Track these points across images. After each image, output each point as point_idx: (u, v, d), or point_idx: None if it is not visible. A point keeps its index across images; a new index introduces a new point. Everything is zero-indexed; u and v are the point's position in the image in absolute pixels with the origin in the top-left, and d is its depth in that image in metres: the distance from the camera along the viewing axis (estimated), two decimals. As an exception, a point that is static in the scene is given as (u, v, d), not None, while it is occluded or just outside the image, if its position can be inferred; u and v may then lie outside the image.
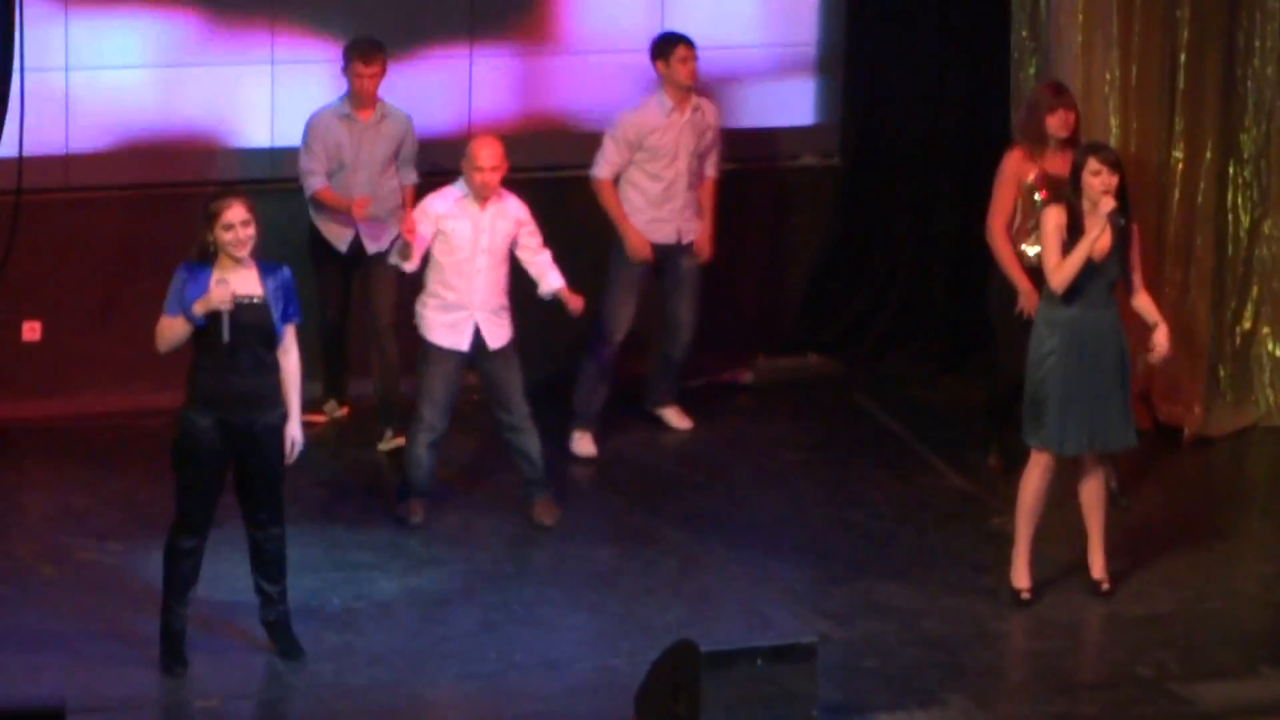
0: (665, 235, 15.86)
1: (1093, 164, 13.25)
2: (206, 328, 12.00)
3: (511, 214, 14.54)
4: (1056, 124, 14.63)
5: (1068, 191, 13.49)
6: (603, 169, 15.72)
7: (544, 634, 13.08)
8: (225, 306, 11.88)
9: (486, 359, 14.61)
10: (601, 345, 16.11)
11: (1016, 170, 14.26)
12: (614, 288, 15.95)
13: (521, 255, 14.60)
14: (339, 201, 15.33)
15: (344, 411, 16.38)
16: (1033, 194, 14.22)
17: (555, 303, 15.02)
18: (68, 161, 15.74)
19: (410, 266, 14.53)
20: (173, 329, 11.96)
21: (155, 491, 13.60)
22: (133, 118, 16.31)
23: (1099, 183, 13.09)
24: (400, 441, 15.43)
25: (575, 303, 14.69)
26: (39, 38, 14.98)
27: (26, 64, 7.89)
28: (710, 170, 16.09)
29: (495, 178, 14.39)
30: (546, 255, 14.69)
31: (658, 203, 15.85)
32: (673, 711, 11.49)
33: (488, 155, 14.36)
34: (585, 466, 15.80)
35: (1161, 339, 13.71)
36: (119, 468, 14.95)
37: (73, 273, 15.78)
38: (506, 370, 14.66)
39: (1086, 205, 13.18)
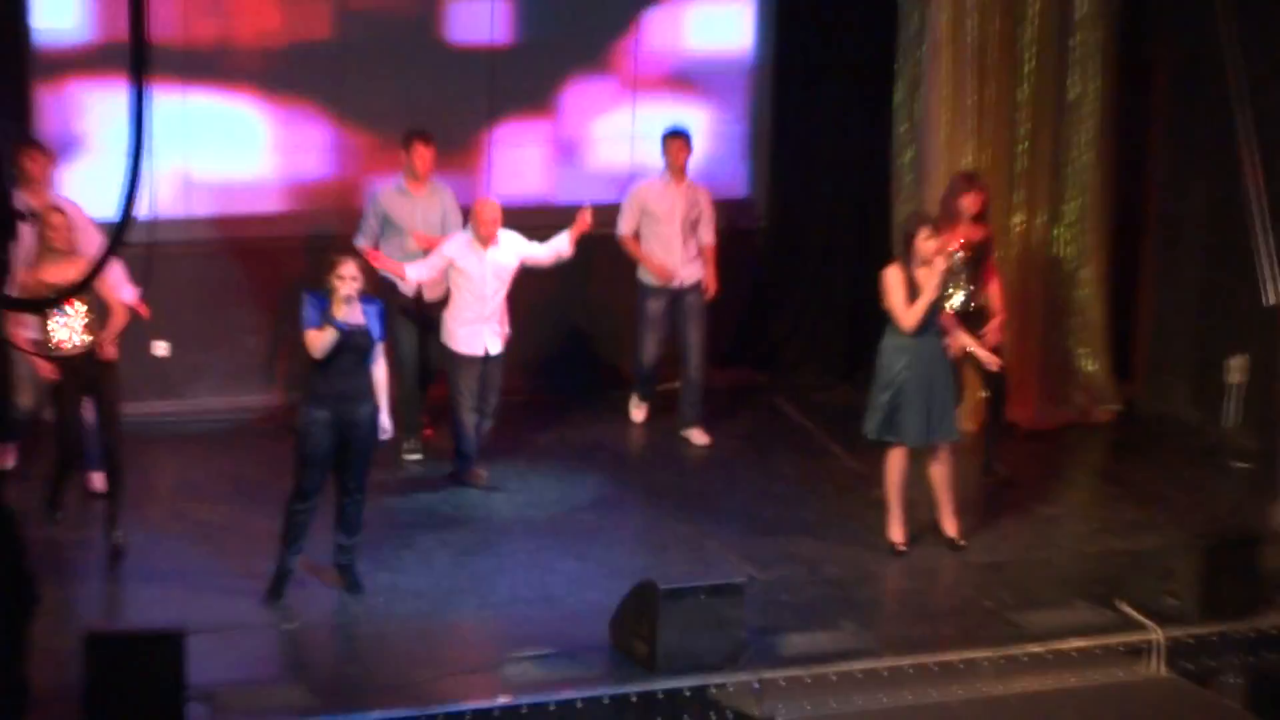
0: (676, 274, 15.81)
1: (923, 233, 13.34)
2: (336, 345, 12.41)
3: (510, 247, 14.64)
4: (968, 204, 14.61)
5: (900, 253, 13.59)
6: (621, 227, 15.75)
7: (542, 575, 13.44)
8: (344, 329, 12.32)
9: (488, 361, 14.75)
10: (639, 368, 16.09)
11: (898, 279, 13.66)
12: (641, 323, 15.89)
13: (537, 256, 14.79)
14: (383, 263, 14.62)
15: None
16: (954, 256, 14.07)
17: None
18: (189, 224, 15.43)
19: (407, 285, 14.91)
20: (322, 338, 12.29)
21: (255, 469, 14.02)
22: (233, 189, 16.08)
23: (929, 247, 13.27)
24: (417, 456, 15.53)
25: (585, 218, 14.73)
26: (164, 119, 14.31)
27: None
28: (707, 236, 15.93)
29: (493, 230, 14.49)
30: (546, 244, 14.79)
31: (662, 255, 15.78)
32: (638, 634, 11.83)
33: (488, 213, 14.50)
34: (575, 451, 15.84)
35: (994, 325, 14.57)
36: (226, 451, 15.03)
37: (189, 305, 15.54)
38: (497, 372, 14.83)
39: (919, 264, 13.32)
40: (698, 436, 16.17)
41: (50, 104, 15.30)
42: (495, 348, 14.77)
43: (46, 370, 12.96)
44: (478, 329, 14.67)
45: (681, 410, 16.25)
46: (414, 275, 14.74)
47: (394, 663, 12.04)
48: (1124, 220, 16.84)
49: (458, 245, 14.69)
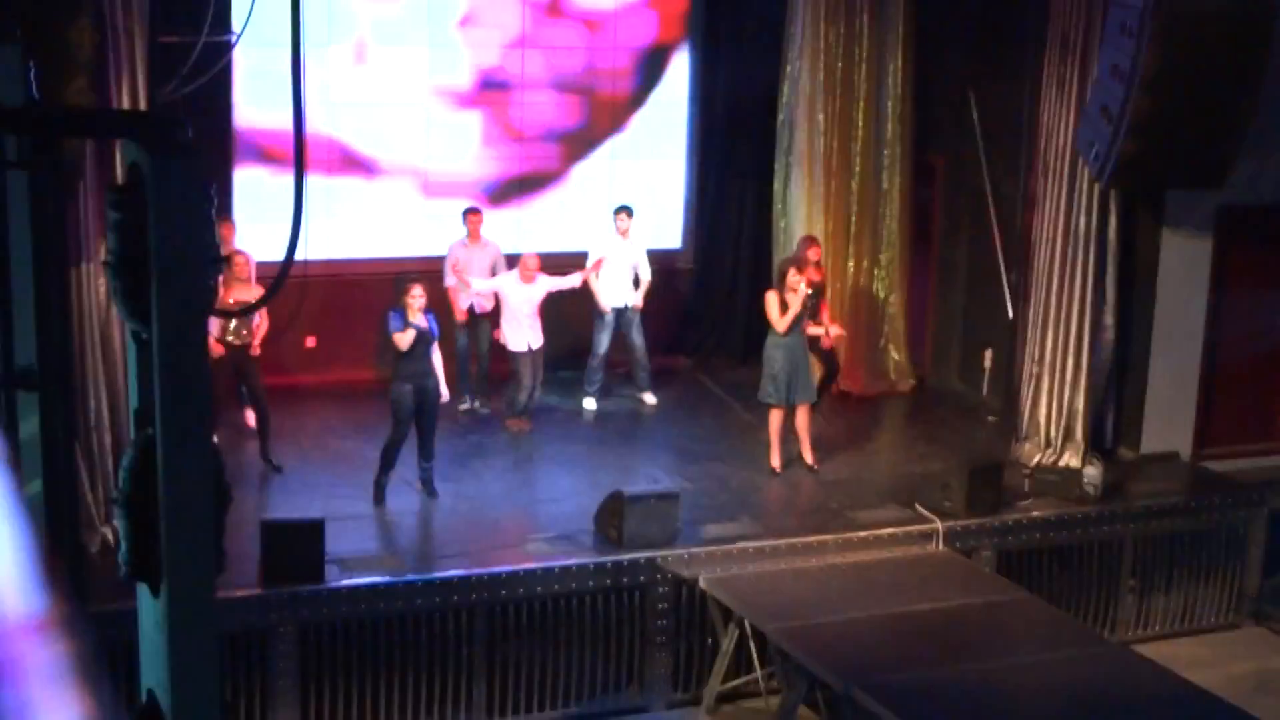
0: (616, 300, 15.36)
1: (792, 272, 13.35)
2: (411, 344, 12.49)
3: (543, 284, 14.46)
4: (811, 254, 14.49)
5: (776, 285, 13.63)
6: (588, 265, 15.13)
7: (552, 486, 13.62)
8: (418, 329, 12.38)
9: (534, 354, 14.49)
10: (592, 356, 15.50)
11: (774, 300, 13.62)
12: (596, 327, 15.40)
13: (558, 286, 14.61)
14: (454, 298, 14.87)
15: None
16: (804, 290, 13.61)
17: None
18: (329, 262, 14.98)
19: (461, 310, 14.83)
20: (405, 336, 12.36)
21: (370, 417, 13.75)
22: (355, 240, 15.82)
23: (794, 281, 13.21)
24: (466, 406, 15.13)
25: (594, 268, 14.90)
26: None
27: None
28: (646, 275, 15.54)
29: (534, 275, 14.36)
30: (561, 280, 14.62)
31: (613, 285, 15.33)
32: (612, 524, 11.88)
33: (532, 263, 14.34)
34: (575, 415, 15.52)
35: (838, 330, 14.44)
36: (356, 407, 14.65)
37: (331, 315, 15.54)
38: (537, 362, 14.53)
39: (789, 290, 13.27)
40: (649, 398, 15.86)
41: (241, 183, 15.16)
42: (535, 344, 14.48)
43: (218, 350, 12.85)
44: (524, 335, 14.45)
45: (637, 382, 15.83)
46: (478, 288, 14.66)
47: (456, 540, 12.22)
48: (917, 264, 16.67)
49: (508, 279, 14.54)
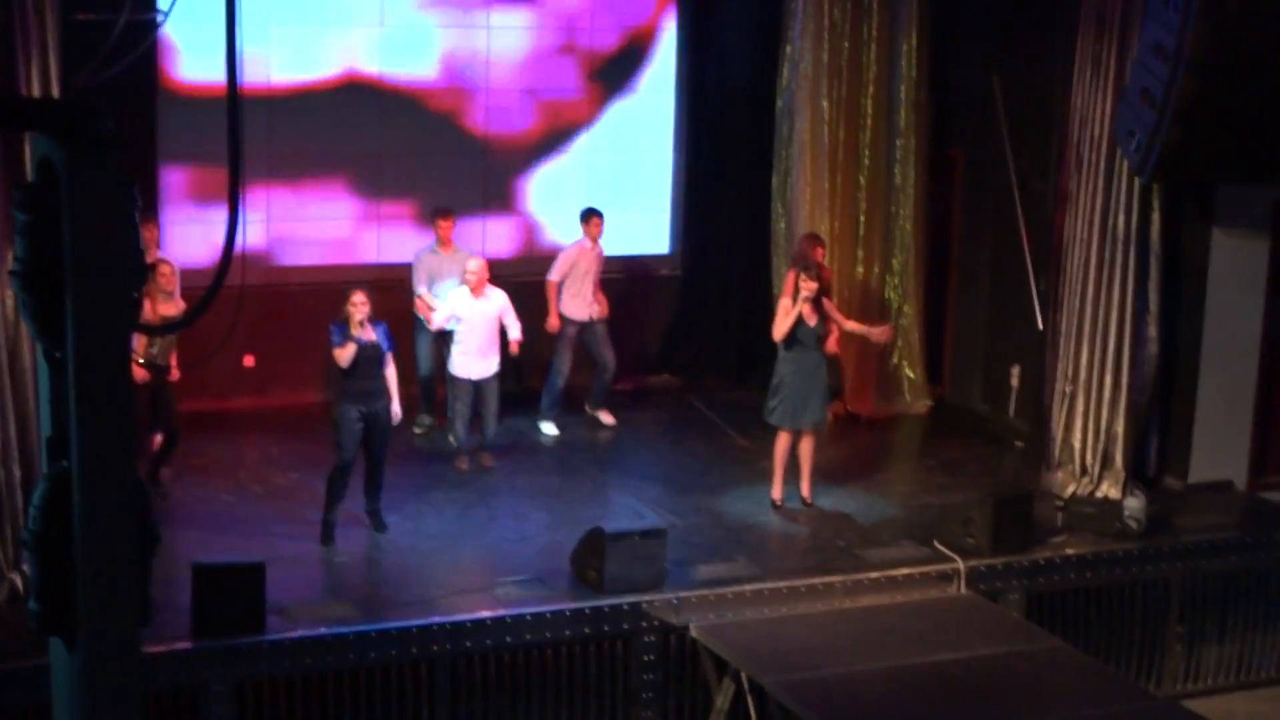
0: (581, 313, 15.49)
1: (804, 278, 13.32)
2: (355, 358, 12.47)
3: (497, 301, 14.31)
4: (818, 255, 14.47)
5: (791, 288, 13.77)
6: (553, 274, 15.35)
7: (522, 524, 13.37)
8: (361, 343, 12.39)
9: (484, 383, 14.32)
10: (555, 376, 15.63)
11: (791, 283, 13.89)
12: (559, 345, 15.53)
13: (505, 320, 14.27)
14: (422, 307, 14.85)
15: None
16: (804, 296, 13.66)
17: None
18: (270, 269, 15.38)
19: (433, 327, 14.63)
20: (348, 352, 12.35)
21: (317, 448, 13.76)
22: (306, 248, 15.88)
23: (806, 288, 13.23)
24: (421, 430, 15.26)
25: (518, 342, 14.54)
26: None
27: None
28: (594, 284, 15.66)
29: (484, 287, 14.23)
30: (516, 324, 14.33)
31: (578, 294, 15.45)
32: (591, 565, 11.87)
33: (475, 266, 14.23)
34: (547, 440, 15.48)
35: (878, 331, 14.52)
36: (295, 433, 14.74)
37: (272, 330, 15.34)
38: (490, 390, 14.36)
39: (802, 298, 13.25)
40: (606, 417, 15.91)
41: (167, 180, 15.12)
42: (488, 372, 14.35)
43: (141, 375, 12.80)
44: (473, 359, 14.33)
45: (593, 398, 15.91)
46: (438, 322, 14.55)
47: (413, 585, 12.11)
48: (934, 269, 16.74)
49: (459, 297, 14.37)
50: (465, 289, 14.33)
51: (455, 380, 14.45)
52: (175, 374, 13.46)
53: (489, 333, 14.30)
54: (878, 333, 14.55)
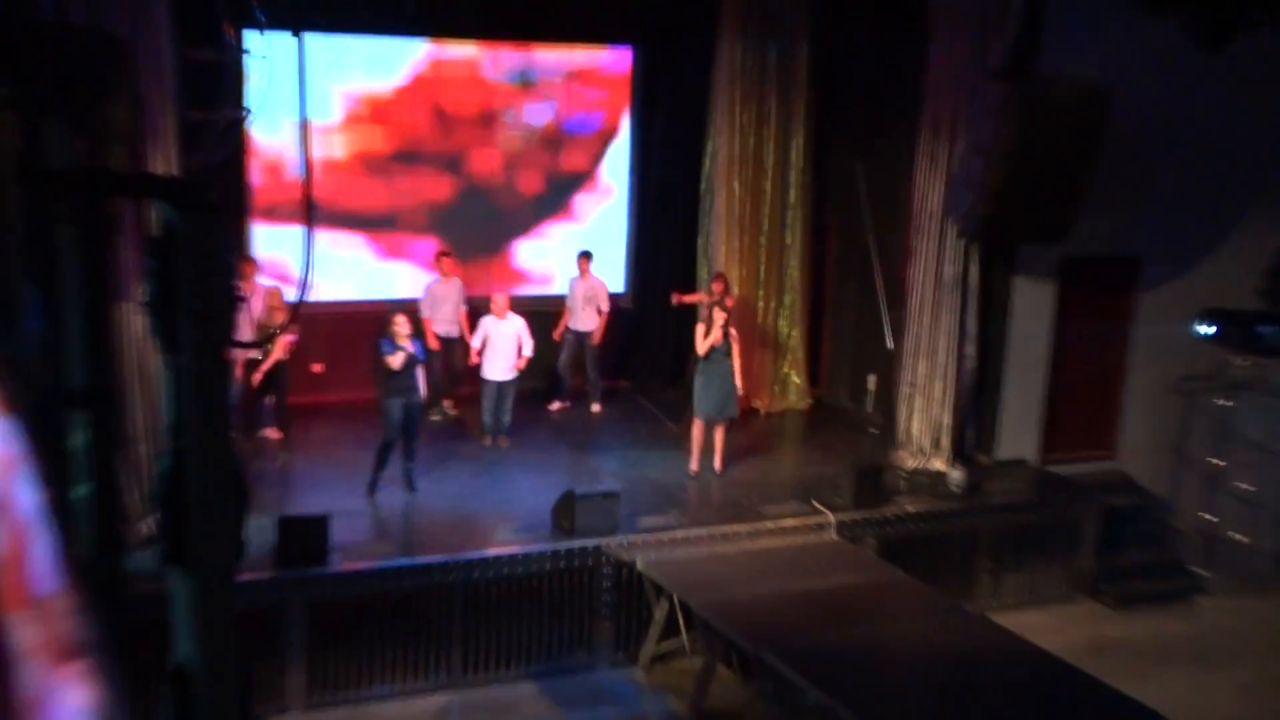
0: (579, 326, 15.52)
1: (717, 310, 13.38)
2: (399, 366, 12.39)
3: (515, 324, 14.18)
4: (716, 288, 14.43)
5: (703, 318, 13.76)
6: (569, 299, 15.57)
7: (516, 486, 13.25)
8: (407, 352, 12.35)
9: (504, 384, 14.24)
10: (560, 381, 15.74)
11: (700, 330, 13.51)
12: (562, 355, 15.59)
13: (521, 338, 14.11)
14: (429, 329, 14.76)
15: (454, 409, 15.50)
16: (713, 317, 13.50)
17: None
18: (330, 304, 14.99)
19: (474, 354, 14.37)
20: (399, 358, 12.34)
21: (367, 430, 13.57)
22: (351, 284, 15.60)
23: (718, 316, 13.24)
24: (439, 418, 15.12)
25: (527, 359, 14.31)
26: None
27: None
28: (604, 306, 15.66)
29: (505, 312, 14.16)
30: (529, 342, 14.19)
31: (577, 315, 15.51)
32: (565, 516, 11.85)
33: (500, 300, 14.21)
34: (535, 423, 15.31)
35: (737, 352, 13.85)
36: (350, 420, 14.56)
37: (338, 343, 15.32)
38: (508, 390, 14.26)
39: (713, 322, 13.27)
40: (596, 407, 15.87)
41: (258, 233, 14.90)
42: (508, 376, 14.27)
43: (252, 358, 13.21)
44: (496, 365, 14.24)
45: (589, 395, 15.87)
46: (475, 345, 14.39)
47: (437, 531, 12.04)
48: (814, 305, 16.72)
49: (488, 321, 14.23)
50: (492, 315, 14.22)
51: (484, 382, 14.32)
52: (284, 355, 13.69)
53: (509, 348, 14.19)
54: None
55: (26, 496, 1.35)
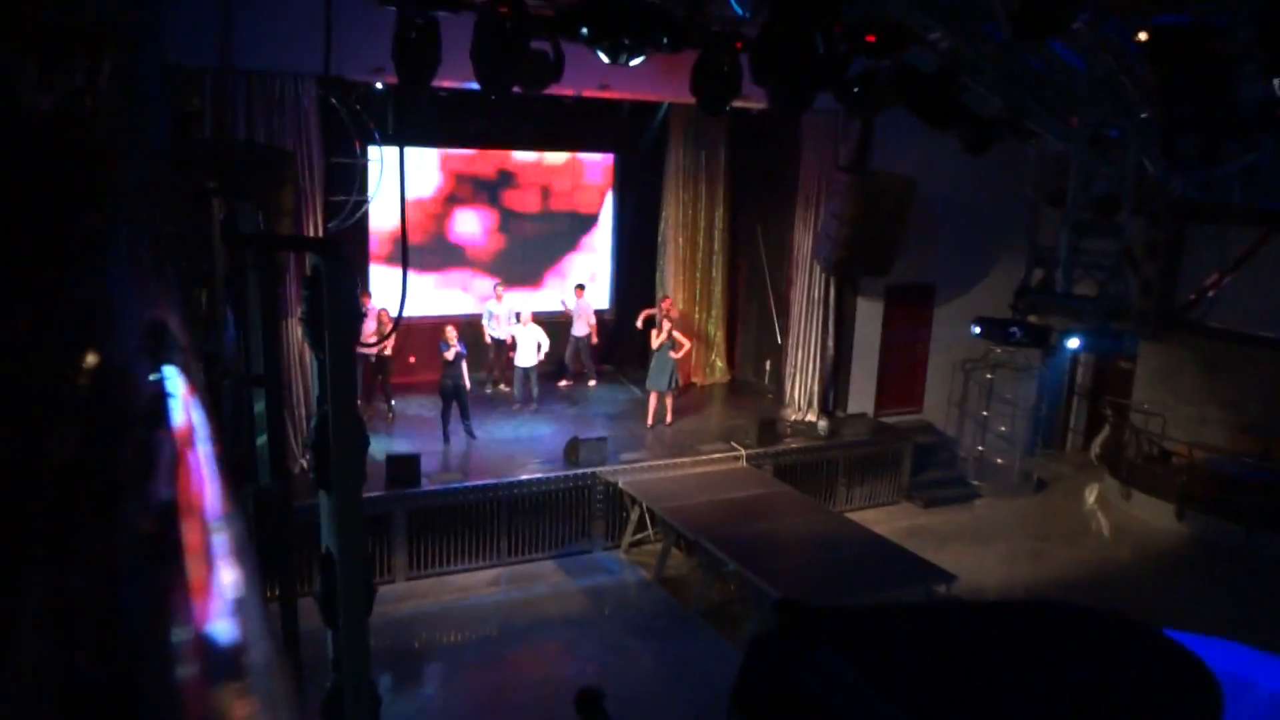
0: (577, 332, 14.84)
1: (665, 320, 13.20)
2: (450, 359, 12.13)
3: (534, 330, 13.71)
4: (665, 306, 14.14)
5: (656, 325, 13.34)
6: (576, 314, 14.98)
7: (539, 436, 12.89)
8: (454, 350, 12.06)
9: (530, 370, 13.76)
10: (566, 367, 15.17)
11: (654, 335, 13.23)
12: (567, 350, 15.03)
13: (540, 340, 13.67)
14: (486, 334, 14.30)
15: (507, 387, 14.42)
16: (663, 324, 13.28)
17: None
18: (419, 318, 14.54)
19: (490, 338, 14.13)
20: (450, 353, 12.07)
21: (432, 398, 13.40)
22: (432, 304, 15.25)
23: (666, 324, 13.06)
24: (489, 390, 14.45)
25: (545, 355, 13.90)
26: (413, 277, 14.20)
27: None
28: (592, 320, 14.87)
29: (529, 323, 13.75)
30: (546, 342, 13.72)
31: (576, 324, 14.86)
32: (572, 454, 11.74)
33: (526, 316, 13.82)
34: (551, 394, 14.60)
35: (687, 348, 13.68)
36: (430, 394, 13.49)
37: (420, 342, 14.59)
38: (534, 374, 13.78)
39: (663, 328, 13.07)
40: (592, 383, 15.43)
41: (373, 272, 14.62)
42: (531, 363, 13.73)
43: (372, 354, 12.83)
44: (523, 358, 13.85)
45: (586, 376, 15.44)
46: (502, 335, 14.09)
47: (488, 463, 11.84)
48: (730, 315, 16.49)
49: (517, 328, 13.87)
50: (520, 325, 13.94)
51: (516, 368, 14.02)
52: (389, 351, 13.26)
53: (532, 346, 13.88)
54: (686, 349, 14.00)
55: (202, 453, 1.35)
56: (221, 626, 1.11)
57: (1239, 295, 13.64)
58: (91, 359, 0.96)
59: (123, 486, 0.95)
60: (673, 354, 13.19)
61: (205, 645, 1.04)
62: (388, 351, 13.43)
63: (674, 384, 13.40)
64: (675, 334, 13.25)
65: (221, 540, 1.26)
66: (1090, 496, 14.65)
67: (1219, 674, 2.40)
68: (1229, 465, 13.21)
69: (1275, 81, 6.57)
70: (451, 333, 12.43)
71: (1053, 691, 2.06)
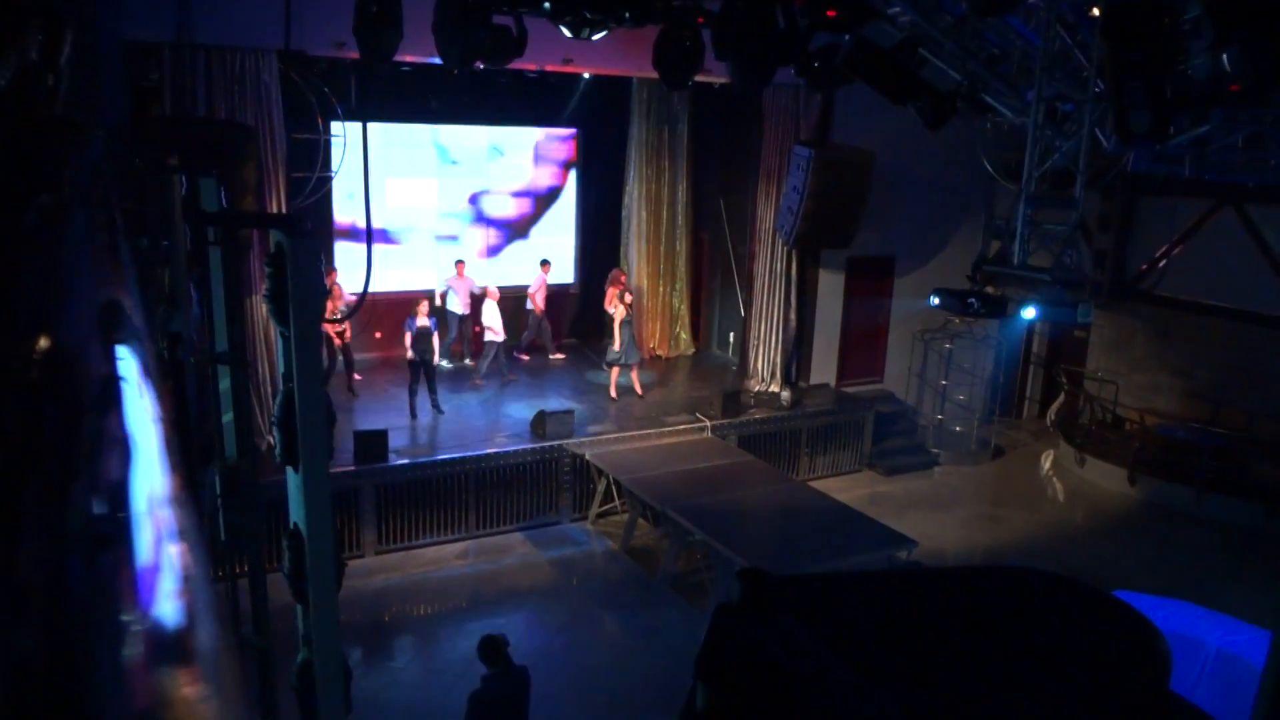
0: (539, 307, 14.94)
1: (625, 293, 13.15)
2: (417, 333, 12.05)
3: (494, 310, 13.59)
4: (620, 278, 14.20)
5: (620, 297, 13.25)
6: (531, 288, 14.84)
7: (507, 407, 12.87)
8: (423, 326, 11.94)
9: (500, 344, 13.69)
10: (526, 332, 15.00)
11: (614, 295, 13.52)
12: (529, 320, 15.09)
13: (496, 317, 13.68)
14: (446, 310, 14.20)
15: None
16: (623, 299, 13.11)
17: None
18: (384, 294, 14.52)
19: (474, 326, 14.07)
20: (415, 328, 11.98)
21: (403, 374, 13.32)
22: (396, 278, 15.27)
23: (628, 296, 13.02)
24: (449, 366, 14.26)
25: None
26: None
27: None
28: (542, 296, 14.83)
29: (497, 297, 13.67)
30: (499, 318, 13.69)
31: (538, 299, 14.80)
32: (541, 427, 11.70)
33: (494, 292, 13.74)
34: (514, 367, 14.83)
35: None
36: (404, 372, 13.31)
37: (387, 316, 14.33)
38: (500, 350, 13.67)
39: (622, 302, 13.03)
40: (555, 355, 15.38)
41: (338, 248, 14.35)
42: (500, 338, 13.70)
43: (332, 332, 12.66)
44: (494, 333, 13.77)
45: (548, 349, 15.33)
46: (485, 322, 13.88)
47: (456, 437, 11.79)
48: (695, 289, 16.51)
49: (488, 306, 13.78)
50: (491, 302, 13.81)
51: (486, 343, 13.94)
52: (349, 336, 13.12)
53: (501, 322, 13.82)
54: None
55: (153, 435, 1.33)
56: (167, 608, 1.12)
57: (1188, 266, 13.91)
58: (43, 341, 0.93)
59: (70, 469, 0.93)
60: (634, 326, 13.49)
61: (152, 627, 1.05)
62: (348, 336, 13.27)
63: (635, 356, 13.42)
64: (632, 308, 13.48)
65: (169, 522, 1.25)
66: (1046, 462, 14.92)
67: (1169, 633, 2.49)
68: (1179, 430, 13.51)
69: (1223, 56, 6.67)
70: (423, 307, 12.33)
71: (1007, 656, 2.14)
